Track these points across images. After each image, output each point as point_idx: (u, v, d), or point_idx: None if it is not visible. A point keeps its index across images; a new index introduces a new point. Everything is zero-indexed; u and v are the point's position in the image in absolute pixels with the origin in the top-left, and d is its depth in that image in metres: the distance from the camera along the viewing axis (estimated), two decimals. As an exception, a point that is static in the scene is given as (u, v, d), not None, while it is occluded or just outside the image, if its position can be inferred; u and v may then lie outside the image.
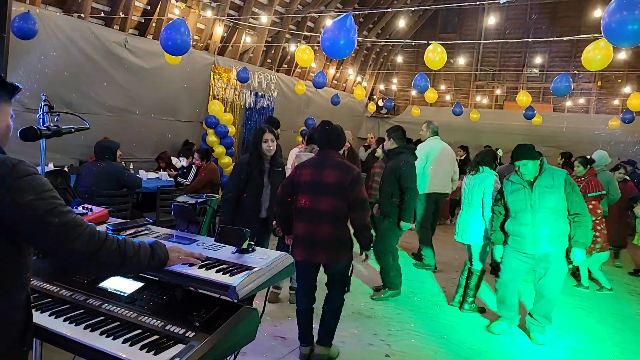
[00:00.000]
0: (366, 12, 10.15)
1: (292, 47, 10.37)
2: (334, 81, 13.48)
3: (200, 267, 1.91)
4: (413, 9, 10.94)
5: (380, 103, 14.60)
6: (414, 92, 13.79)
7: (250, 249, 2.09)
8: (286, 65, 11.49)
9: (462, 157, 10.49)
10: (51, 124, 2.14)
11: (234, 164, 4.20)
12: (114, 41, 7.05)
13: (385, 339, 3.86)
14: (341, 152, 5.00)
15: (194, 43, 5.23)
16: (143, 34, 7.86)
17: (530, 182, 3.76)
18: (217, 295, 1.85)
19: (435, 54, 5.90)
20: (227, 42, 9.33)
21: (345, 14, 3.99)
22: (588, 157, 6.15)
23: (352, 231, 3.32)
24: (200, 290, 1.90)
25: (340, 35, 3.94)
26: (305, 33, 10.31)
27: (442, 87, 14.31)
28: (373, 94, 15.36)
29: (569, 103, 12.45)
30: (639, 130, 11.07)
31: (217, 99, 8.70)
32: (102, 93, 6.98)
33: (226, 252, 2.05)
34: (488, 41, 11.10)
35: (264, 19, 8.96)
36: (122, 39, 7.16)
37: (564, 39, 7.42)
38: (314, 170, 3.20)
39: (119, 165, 4.90)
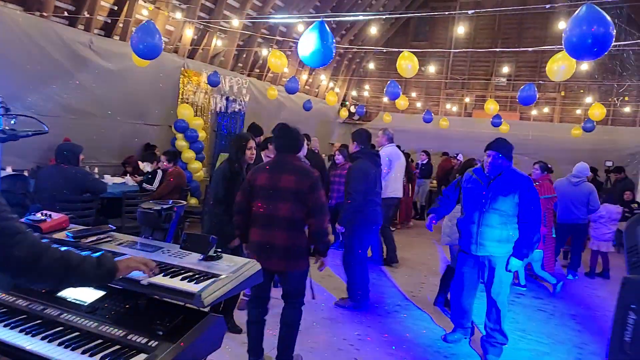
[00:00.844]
0: (339, 18, 10.21)
1: (264, 52, 10.33)
2: (306, 87, 13.50)
3: (164, 275, 1.87)
4: (385, 17, 11.07)
5: (352, 109, 14.71)
6: (385, 99, 13.94)
7: (217, 256, 2.05)
8: (258, 70, 11.43)
9: (424, 162, 10.95)
10: (7, 127, 2.04)
11: (216, 172, 4.03)
12: (79, 42, 6.85)
13: (354, 343, 3.86)
14: (303, 155, 5.06)
15: (163, 46, 5.13)
16: (109, 35, 7.66)
17: (488, 180, 3.62)
18: (183, 304, 1.81)
19: (407, 62, 5.98)
20: (197, 45, 9.21)
21: (317, 20, 3.98)
22: (549, 165, 6.44)
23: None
24: (165, 299, 1.85)
25: (320, 45, 3.92)
26: (278, 38, 10.27)
27: (413, 95, 14.54)
28: (345, 100, 15.46)
29: (534, 112, 12.84)
30: (599, 138, 11.52)
31: (187, 103, 8.56)
32: (65, 95, 6.75)
33: (192, 260, 2.01)
34: (458, 50, 11.36)
35: (235, 22, 8.89)
36: (87, 39, 6.96)
37: (530, 49, 7.63)
38: (271, 175, 3.09)
39: (81, 169, 4.74)
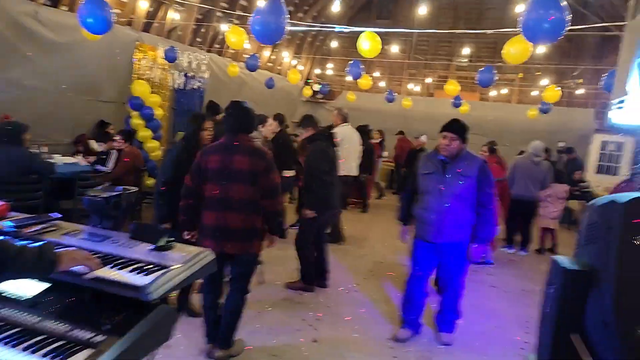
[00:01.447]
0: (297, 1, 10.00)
1: (224, 27, 10.01)
2: (269, 64, 13.24)
3: (112, 267, 1.80)
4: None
5: (316, 88, 14.58)
6: (349, 78, 13.89)
7: (169, 246, 1.99)
8: (218, 46, 11.09)
9: (379, 141, 10.93)
10: None
11: (167, 152, 3.88)
12: (23, 12, 6.40)
13: (313, 324, 3.89)
14: (268, 137, 4.99)
15: (116, 18, 4.83)
16: (56, 5, 7.20)
17: (444, 165, 3.48)
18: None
19: (369, 42, 5.91)
20: (152, 19, 8.80)
21: (276, -4, 3.85)
22: (495, 145, 6.70)
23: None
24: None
25: (271, 20, 3.80)
26: (238, 12, 9.96)
27: (377, 74, 14.54)
28: (309, 79, 15.29)
29: (494, 93, 13.11)
30: (554, 119, 11.92)
31: (143, 79, 8.21)
32: (9, 69, 6.34)
33: (142, 250, 1.94)
34: (418, 30, 11.36)
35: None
36: (31, 10, 6.51)
37: (489, 32, 7.73)
38: (223, 156, 2.98)
39: (26, 150, 4.47)
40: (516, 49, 4.84)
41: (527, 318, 4.43)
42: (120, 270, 1.78)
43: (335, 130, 6.32)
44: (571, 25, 3.27)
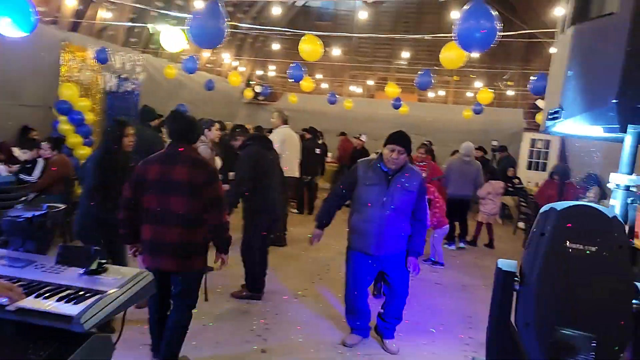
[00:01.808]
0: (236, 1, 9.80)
1: (159, 27, 9.60)
2: (208, 65, 12.90)
3: (37, 296, 1.63)
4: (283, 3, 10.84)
5: (258, 89, 14.40)
6: (291, 80, 13.85)
7: (102, 269, 1.84)
8: (154, 46, 10.65)
9: (321, 142, 10.90)
10: None
11: (89, 161, 3.66)
12: None
13: (261, 333, 3.80)
14: (209, 144, 4.85)
15: (39, 17, 4.47)
16: (-29, 2, 6.59)
17: (387, 177, 3.44)
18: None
19: (310, 46, 5.89)
20: (81, 18, 8.29)
21: (212, 0, 3.72)
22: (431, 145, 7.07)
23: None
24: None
25: (210, 24, 3.67)
26: (174, 13, 9.60)
27: (319, 76, 14.59)
28: (250, 80, 15.07)
29: (431, 94, 13.56)
30: (487, 119, 12.50)
31: (71, 82, 7.71)
32: None
33: (71, 275, 1.79)
34: (358, 35, 11.52)
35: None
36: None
37: (426, 37, 7.97)
38: (162, 167, 2.86)
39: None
40: (452, 55, 5.01)
41: (470, 313, 4.60)
42: (47, 300, 1.63)
43: (277, 131, 6.40)
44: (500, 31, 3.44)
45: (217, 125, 4.97)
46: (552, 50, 10.74)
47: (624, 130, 1.40)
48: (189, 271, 2.93)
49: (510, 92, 13.29)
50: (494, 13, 3.30)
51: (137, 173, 2.92)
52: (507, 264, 1.62)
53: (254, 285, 4.50)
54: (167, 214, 2.82)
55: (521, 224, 9.00)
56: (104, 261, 1.88)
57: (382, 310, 3.77)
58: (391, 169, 3.42)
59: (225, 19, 3.77)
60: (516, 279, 1.53)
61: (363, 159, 3.76)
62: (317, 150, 9.10)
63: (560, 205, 1.47)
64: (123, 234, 3.02)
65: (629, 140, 1.51)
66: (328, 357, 3.53)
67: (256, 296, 4.49)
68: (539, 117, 11.57)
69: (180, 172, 2.83)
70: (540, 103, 12.57)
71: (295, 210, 8.95)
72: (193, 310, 3.07)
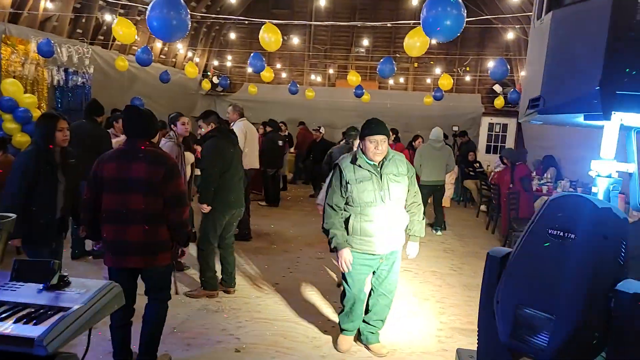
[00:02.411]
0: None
1: (107, 17, 9.14)
2: (161, 56, 12.42)
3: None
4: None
5: (215, 80, 14.01)
6: (250, 70, 13.58)
7: (64, 283, 1.68)
8: (102, 38, 10.12)
9: (286, 133, 10.94)
10: None
11: (17, 160, 3.43)
12: None
13: (234, 332, 3.70)
14: (175, 140, 4.64)
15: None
16: None
17: (376, 169, 3.18)
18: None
19: (270, 35, 5.72)
20: (20, 8, 7.73)
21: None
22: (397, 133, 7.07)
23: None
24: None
25: (172, 16, 3.45)
26: (122, 2, 9.14)
27: (278, 66, 14.35)
28: (207, 71, 14.64)
29: (391, 81, 13.61)
30: (447, 105, 12.69)
31: (14, 77, 7.21)
32: None
33: (30, 292, 1.62)
34: (317, 23, 11.37)
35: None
36: None
37: (388, 25, 7.93)
38: (120, 164, 2.77)
39: None
40: (416, 41, 4.98)
41: (441, 299, 4.65)
42: (4, 322, 1.47)
43: (238, 125, 6.29)
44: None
45: (183, 119, 4.75)
46: (510, 36, 10.93)
47: (607, 117, 1.37)
48: (155, 266, 2.89)
49: (467, 78, 13.52)
50: (460, 1, 3.27)
51: (94, 171, 2.83)
52: (496, 251, 1.67)
53: (209, 284, 4.35)
54: (127, 212, 2.74)
55: (483, 207, 9.22)
56: (66, 274, 1.72)
57: (369, 315, 3.50)
58: (377, 161, 3.17)
59: (187, 10, 3.57)
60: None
61: (343, 156, 3.52)
62: (280, 143, 8.99)
63: (555, 195, 1.45)
64: (88, 235, 3.01)
65: (611, 127, 1.48)
66: (306, 355, 3.45)
67: (211, 295, 4.34)
68: (497, 102, 11.85)
69: (138, 169, 2.75)
70: (497, 88, 12.88)
71: (264, 203, 8.85)
72: (168, 303, 3.07)
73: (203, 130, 4.49)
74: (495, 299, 1.54)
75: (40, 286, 1.65)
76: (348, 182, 3.18)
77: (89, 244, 5.08)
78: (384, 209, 3.15)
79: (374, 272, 3.43)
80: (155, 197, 2.75)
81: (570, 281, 1.35)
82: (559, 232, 1.41)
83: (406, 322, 4.07)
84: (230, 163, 4.31)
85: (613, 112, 1.38)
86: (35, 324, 1.45)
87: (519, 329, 1.41)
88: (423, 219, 3.38)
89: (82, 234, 3.40)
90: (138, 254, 2.79)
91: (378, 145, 3.10)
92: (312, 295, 4.57)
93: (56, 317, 1.49)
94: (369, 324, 3.50)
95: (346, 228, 3.25)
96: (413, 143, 9.92)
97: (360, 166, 3.17)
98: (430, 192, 7.19)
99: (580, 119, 1.53)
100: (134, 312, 2.99)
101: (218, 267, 4.46)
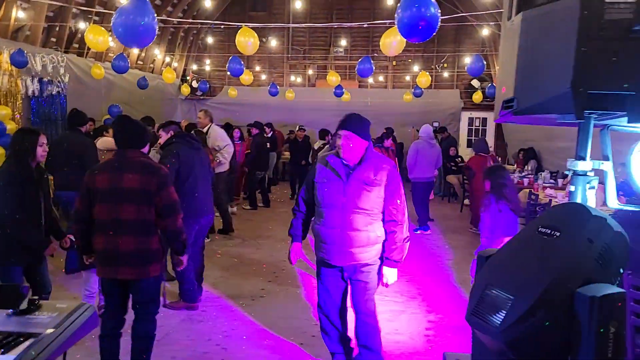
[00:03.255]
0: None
1: (81, 25, 8.98)
2: (139, 62, 12.26)
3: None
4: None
5: (195, 84, 13.89)
6: (229, 73, 13.49)
7: (34, 307, 1.64)
8: (77, 46, 9.94)
9: (269, 135, 10.78)
10: None
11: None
12: None
13: (220, 342, 3.65)
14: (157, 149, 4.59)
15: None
16: None
17: (348, 171, 2.88)
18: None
19: (247, 39, 5.68)
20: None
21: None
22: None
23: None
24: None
25: (137, 21, 3.40)
26: (96, 9, 9.00)
27: (257, 68, 14.29)
28: (186, 75, 14.51)
29: (371, 80, 13.66)
30: (426, 101, 12.80)
31: (-13, 89, 7.05)
32: None
33: (-2, 318, 1.57)
34: (295, 25, 11.35)
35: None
36: None
37: (364, 25, 7.95)
38: (112, 175, 2.80)
39: None
40: (392, 41, 4.99)
41: (428, 297, 4.68)
42: (-29, 352, 1.42)
43: (213, 130, 6.45)
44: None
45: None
46: (485, 32, 11.06)
47: (580, 116, 1.39)
48: (146, 277, 2.87)
49: (446, 74, 13.66)
50: (434, 1, 3.29)
51: (86, 183, 2.84)
52: (484, 251, 1.70)
53: (188, 295, 4.26)
54: (119, 222, 2.77)
55: (467, 201, 9.31)
56: (36, 297, 1.68)
57: (356, 339, 3.11)
58: (348, 159, 2.87)
59: (154, 15, 3.51)
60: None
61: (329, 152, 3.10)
62: (268, 145, 9.04)
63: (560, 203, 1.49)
64: (80, 246, 2.99)
65: (585, 126, 1.50)
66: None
67: (191, 307, 4.25)
68: (476, 97, 11.98)
69: (130, 179, 2.77)
70: (475, 83, 13.03)
71: (248, 207, 8.82)
72: (157, 317, 3.04)
73: (161, 139, 4.46)
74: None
75: (9, 312, 1.61)
76: (314, 179, 2.97)
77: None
78: (343, 216, 2.82)
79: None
80: (148, 206, 2.78)
81: (541, 270, 1.36)
82: (547, 229, 1.44)
83: (394, 322, 4.07)
84: (192, 168, 4.22)
85: (585, 112, 1.40)
86: (3, 353, 1.41)
87: (481, 307, 1.44)
88: (406, 240, 2.94)
89: (65, 245, 3.38)
90: (130, 265, 2.79)
91: (339, 141, 2.84)
92: (299, 300, 4.54)
93: (26, 343, 1.45)
94: (362, 353, 3.05)
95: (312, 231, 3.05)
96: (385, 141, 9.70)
97: (330, 164, 2.91)
98: (429, 188, 7.28)
99: (554, 119, 1.54)
100: (124, 322, 2.99)
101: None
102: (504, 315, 1.33)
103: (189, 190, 4.15)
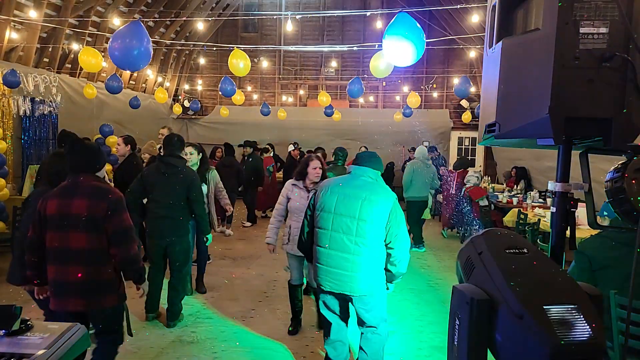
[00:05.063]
0: (156, 17, 9.44)
1: (74, 46, 9.05)
2: (131, 82, 12.33)
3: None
4: (209, 15, 10.64)
5: (187, 104, 13.97)
6: (221, 93, 13.59)
7: (26, 328, 1.64)
8: (70, 66, 10.00)
9: (271, 155, 10.87)
10: None
11: (29, 196, 3.32)
12: None
13: (211, 363, 3.62)
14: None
15: None
16: None
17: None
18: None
19: (239, 61, 5.77)
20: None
21: (133, 20, 3.52)
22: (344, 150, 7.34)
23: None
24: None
25: (133, 45, 3.45)
26: (89, 31, 9.09)
27: (249, 88, 14.42)
28: (178, 95, 14.59)
29: (361, 100, 13.84)
30: (417, 121, 12.96)
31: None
32: None
33: (-11, 340, 1.57)
34: (286, 47, 11.52)
35: (33, 14, 7.54)
36: None
37: (355, 48, 8.11)
38: (61, 201, 2.64)
39: None
40: (381, 64, 5.10)
41: (419, 316, 4.68)
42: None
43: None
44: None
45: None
46: (473, 54, 11.28)
47: (558, 141, 1.45)
48: (100, 309, 2.72)
49: (435, 94, 13.88)
50: (418, 25, 3.39)
51: (38, 209, 2.69)
52: (469, 289, 1.51)
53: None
54: (67, 251, 2.62)
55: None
56: (28, 319, 1.68)
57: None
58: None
59: (149, 39, 3.58)
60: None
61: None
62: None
63: (478, 233, 1.57)
64: (30, 277, 2.78)
65: (564, 150, 1.57)
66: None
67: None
68: (465, 116, 12.16)
69: (78, 205, 2.62)
70: (464, 103, 13.24)
71: (249, 224, 9.12)
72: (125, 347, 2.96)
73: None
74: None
75: (1, 332, 1.60)
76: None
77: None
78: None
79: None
80: (98, 234, 2.63)
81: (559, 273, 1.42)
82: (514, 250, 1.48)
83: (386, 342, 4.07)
84: (153, 188, 4.17)
85: (563, 136, 1.46)
86: (-5, 373, 1.41)
87: (559, 331, 1.30)
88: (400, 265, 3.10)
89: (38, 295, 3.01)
90: (79, 296, 2.64)
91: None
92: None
93: (19, 364, 1.46)
94: None
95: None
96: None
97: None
98: (423, 207, 7.43)
99: (534, 142, 1.60)
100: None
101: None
102: (584, 322, 1.27)
103: (152, 211, 4.21)
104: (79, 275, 2.61)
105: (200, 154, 4.97)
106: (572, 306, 1.28)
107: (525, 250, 1.45)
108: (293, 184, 4.03)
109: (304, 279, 4.22)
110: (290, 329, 4.22)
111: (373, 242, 2.95)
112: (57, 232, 2.63)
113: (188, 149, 4.76)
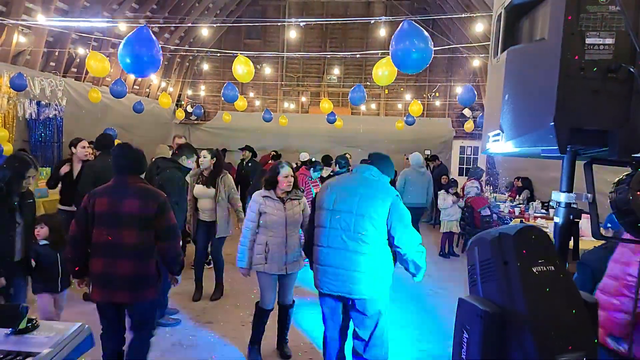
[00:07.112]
0: (161, 23, 9.51)
1: (80, 50, 9.11)
2: (135, 87, 12.39)
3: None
4: (216, 25, 10.72)
5: (190, 109, 14.02)
6: (223, 98, 13.65)
7: (32, 327, 1.66)
8: (75, 70, 10.06)
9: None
10: None
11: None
12: None
13: (210, 366, 3.63)
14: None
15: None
16: None
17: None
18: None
19: (243, 67, 5.80)
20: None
21: (140, 26, 3.55)
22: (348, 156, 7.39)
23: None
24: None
25: (143, 52, 3.50)
26: (96, 36, 9.15)
27: (251, 94, 14.48)
28: (181, 100, 14.65)
29: (363, 107, 13.88)
30: (419, 129, 12.97)
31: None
32: None
33: (-4, 338, 1.58)
34: (289, 54, 11.58)
35: (41, 18, 7.60)
36: None
37: (357, 55, 8.15)
38: (112, 199, 2.87)
39: None
40: (384, 71, 5.12)
41: (419, 325, 4.66)
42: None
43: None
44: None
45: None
46: (476, 63, 11.31)
47: (563, 151, 1.45)
48: (142, 302, 2.93)
49: (437, 103, 13.90)
50: (426, 33, 3.41)
51: (84, 207, 2.89)
52: (479, 303, 1.43)
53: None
54: (118, 246, 2.82)
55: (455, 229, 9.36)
56: (34, 318, 1.69)
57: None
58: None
59: (159, 46, 3.62)
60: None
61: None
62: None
63: (508, 229, 1.48)
64: (74, 271, 2.99)
65: (568, 160, 1.57)
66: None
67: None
68: (467, 125, 12.17)
69: (130, 205, 2.84)
70: (467, 112, 13.27)
71: None
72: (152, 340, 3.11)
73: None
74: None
75: (7, 331, 1.62)
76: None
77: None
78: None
79: None
80: (147, 231, 2.85)
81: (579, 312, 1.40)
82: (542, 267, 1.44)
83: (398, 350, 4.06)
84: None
85: (568, 147, 1.46)
86: (2, 372, 1.43)
87: None
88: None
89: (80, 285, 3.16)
90: (126, 288, 2.83)
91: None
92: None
93: (26, 362, 1.47)
94: None
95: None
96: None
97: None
98: (419, 213, 7.43)
99: (539, 152, 1.61)
100: (124, 341, 3.03)
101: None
102: None
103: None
104: (128, 269, 2.81)
105: (214, 158, 5.02)
106: (581, 353, 1.26)
107: (553, 268, 1.40)
108: (264, 196, 3.57)
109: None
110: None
111: (373, 240, 2.84)
112: (108, 228, 2.82)
113: (203, 153, 4.99)
